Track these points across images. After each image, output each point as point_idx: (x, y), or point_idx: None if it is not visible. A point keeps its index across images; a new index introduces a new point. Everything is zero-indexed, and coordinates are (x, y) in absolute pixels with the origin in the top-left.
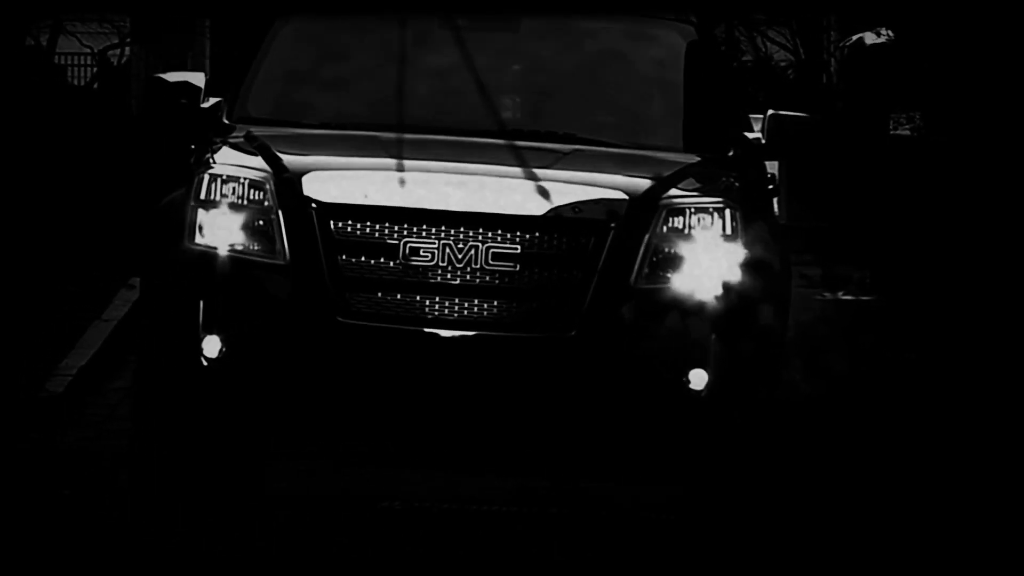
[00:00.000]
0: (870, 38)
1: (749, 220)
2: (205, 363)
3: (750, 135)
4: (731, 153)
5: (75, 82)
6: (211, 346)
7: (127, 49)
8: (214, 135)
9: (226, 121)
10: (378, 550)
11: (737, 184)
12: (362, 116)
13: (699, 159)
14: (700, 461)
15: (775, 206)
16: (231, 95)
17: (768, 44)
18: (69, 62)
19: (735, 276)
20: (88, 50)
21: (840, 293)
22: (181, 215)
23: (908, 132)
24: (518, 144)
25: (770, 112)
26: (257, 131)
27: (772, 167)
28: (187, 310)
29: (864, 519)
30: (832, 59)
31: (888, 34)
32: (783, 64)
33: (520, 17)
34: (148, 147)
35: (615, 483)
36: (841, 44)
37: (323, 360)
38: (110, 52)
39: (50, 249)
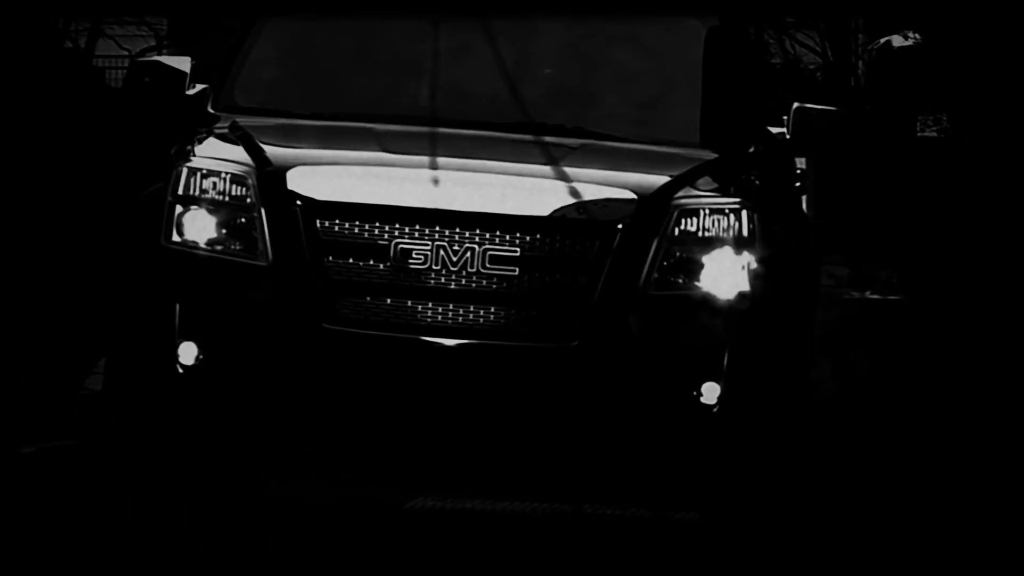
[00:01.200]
0: (897, 41)
1: (768, 222)
2: (181, 371)
3: (774, 130)
4: (752, 149)
5: (113, 84)
6: (187, 353)
7: (163, 51)
8: (197, 124)
9: (211, 110)
10: (377, 551)
11: (757, 182)
12: (355, 106)
13: (717, 155)
14: (712, 480)
15: (803, 203)
16: (218, 81)
17: (797, 47)
18: (107, 64)
19: (752, 282)
20: (126, 52)
21: (867, 292)
22: (159, 211)
23: (935, 134)
24: (522, 139)
25: (796, 105)
26: (243, 121)
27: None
28: (162, 314)
29: (882, 525)
30: (860, 62)
31: (915, 37)
32: (811, 67)
33: (530, 16)
34: (132, 136)
35: (620, 506)
36: (869, 47)
37: (308, 369)
38: (148, 54)
39: (84, 244)
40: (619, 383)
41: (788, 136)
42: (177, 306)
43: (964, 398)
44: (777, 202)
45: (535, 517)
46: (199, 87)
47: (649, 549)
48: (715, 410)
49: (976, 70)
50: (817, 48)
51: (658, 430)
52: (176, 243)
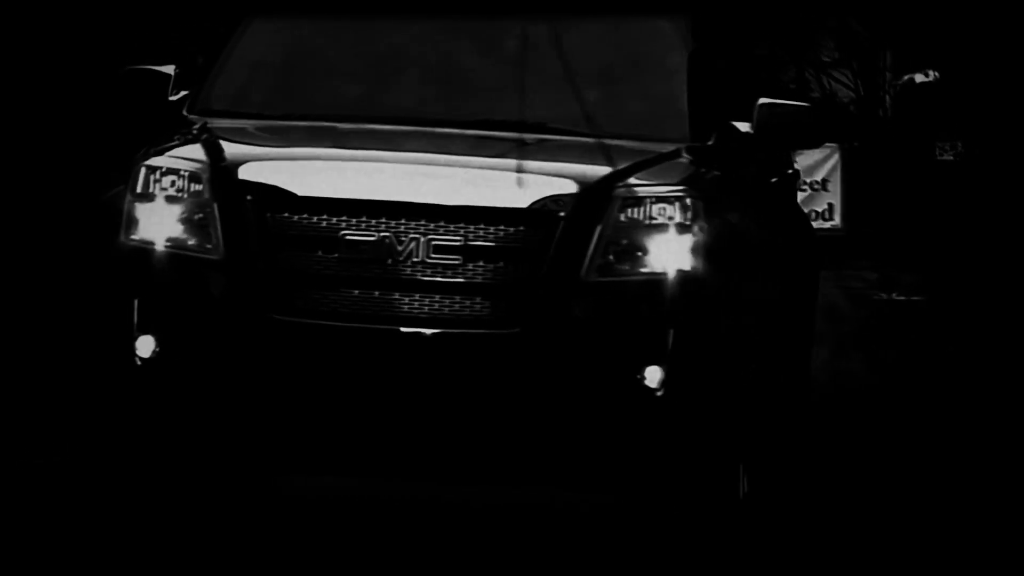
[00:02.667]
0: (919, 78)
1: (715, 211)
2: (139, 363)
3: (742, 126)
4: (711, 142)
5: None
6: (145, 346)
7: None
8: (168, 128)
9: (185, 113)
10: (360, 548)
11: (707, 173)
12: (324, 107)
13: (673, 148)
14: (653, 463)
15: (785, 199)
16: (195, 87)
17: (832, 83)
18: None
19: (696, 269)
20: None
21: (894, 294)
22: (120, 209)
23: (951, 157)
24: (477, 134)
25: (760, 100)
26: (215, 123)
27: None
28: (120, 308)
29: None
30: (887, 95)
31: (935, 75)
32: (845, 100)
33: (509, 15)
34: (109, 140)
35: (559, 489)
36: (895, 83)
37: (257, 360)
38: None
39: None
40: (561, 368)
41: (752, 131)
42: (136, 301)
43: (976, 389)
44: (732, 192)
45: (479, 505)
46: (183, 93)
47: (591, 533)
48: (659, 394)
49: (985, 104)
50: (850, 84)
51: (601, 414)
52: (134, 240)
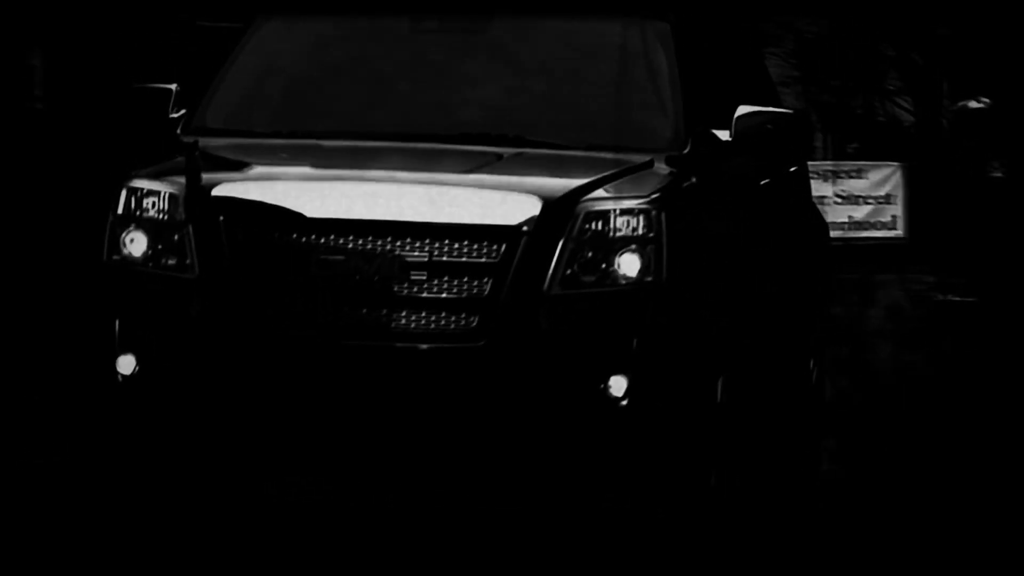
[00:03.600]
0: (973, 104)
1: (681, 221)
2: (120, 380)
3: (721, 133)
4: (686, 150)
5: None
6: (126, 364)
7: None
8: (159, 147)
9: (179, 132)
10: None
11: (677, 183)
12: (312, 124)
13: (647, 158)
14: (618, 472)
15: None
16: (191, 106)
17: (896, 108)
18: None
19: (660, 279)
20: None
21: (949, 295)
22: (103, 229)
23: (1000, 174)
24: (452, 149)
25: (740, 107)
26: (205, 142)
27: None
28: (102, 327)
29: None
30: (944, 120)
31: (987, 102)
32: (907, 123)
33: (497, 15)
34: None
35: (526, 502)
36: (951, 108)
37: (229, 376)
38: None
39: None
40: (526, 380)
41: (730, 138)
42: (116, 320)
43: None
44: (703, 201)
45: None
46: (183, 112)
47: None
48: (623, 403)
49: None
50: (911, 109)
51: (566, 424)
52: (116, 260)
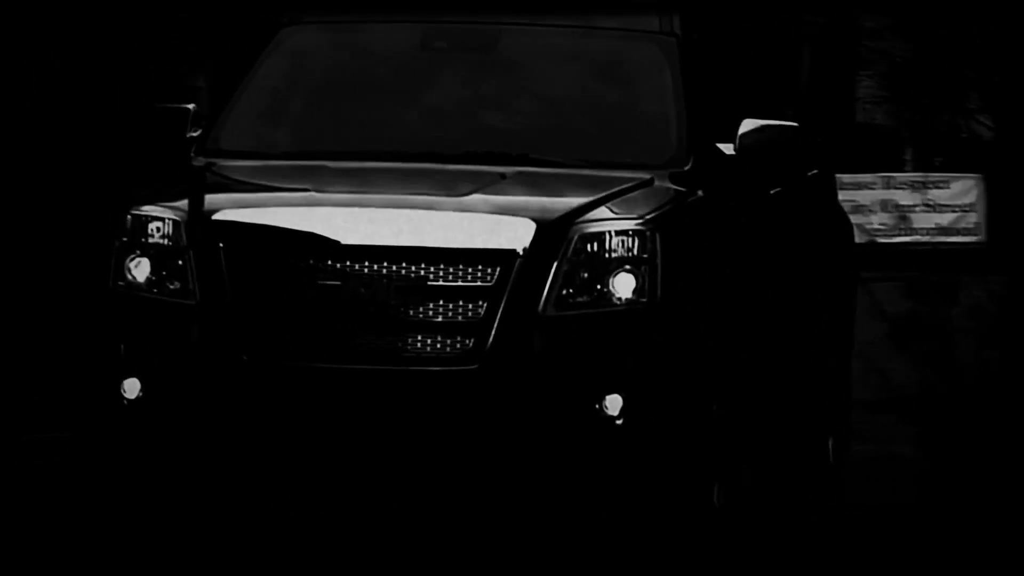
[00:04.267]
0: None
1: (679, 240)
2: (126, 404)
3: (726, 148)
4: (688, 167)
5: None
6: (131, 388)
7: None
8: (170, 171)
9: (192, 154)
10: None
11: (676, 202)
12: (321, 144)
13: (647, 176)
14: (615, 491)
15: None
16: (205, 129)
17: (978, 126)
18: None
19: (655, 299)
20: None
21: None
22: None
23: None
24: (453, 169)
25: (745, 121)
26: (214, 165)
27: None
28: (108, 352)
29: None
30: (1021, 135)
31: None
32: (986, 139)
33: (504, 35)
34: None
35: (524, 521)
36: None
37: (228, 400)
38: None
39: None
40: (521, 402)
41: (735, 152)
42: (121, 346)
43: None
44: (704, 218)
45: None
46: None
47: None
48: (619, 422)
49: None
50: (991, 126)
51: (562, 444)
52: (121, 285)
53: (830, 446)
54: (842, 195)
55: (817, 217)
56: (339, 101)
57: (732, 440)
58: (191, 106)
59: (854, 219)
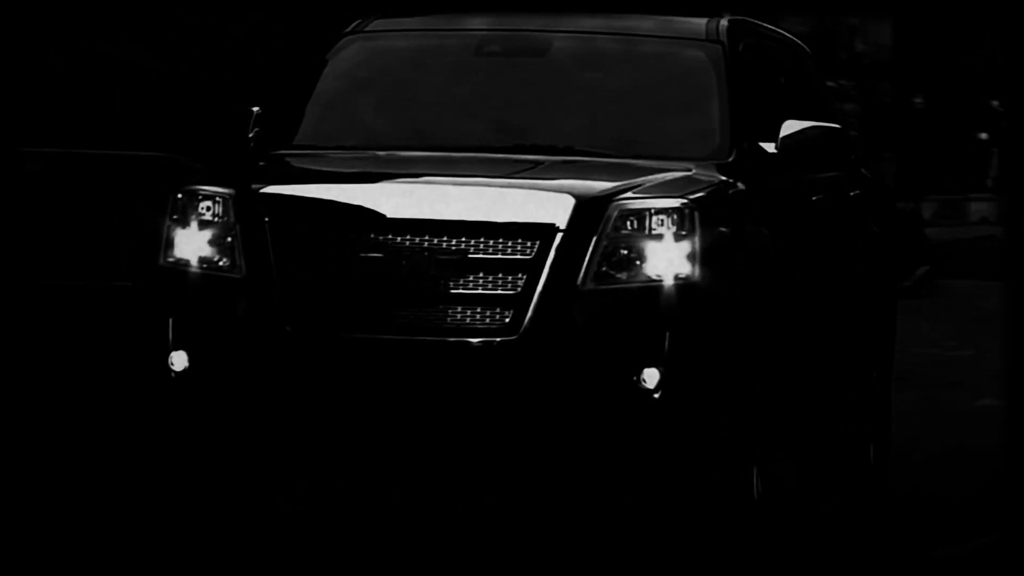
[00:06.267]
0: None
1: (716, 221)
2: (173, 376)
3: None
4: (730, 159)
5: None
6: (179, 360)
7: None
8: (224, 160)
9: (252, 147)
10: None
11: (714, 187)
12: (376, 138)
13: (688, 166)
14: (653, 465)
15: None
16: (263, 125)
17: None
18: None
19: (693, 275)
20: None
21: None
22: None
23: None
24: (497, 157)
25: (787, 122)
26: (269, 153)
27: None
28: (157, 325)
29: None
30: None
31: None
32: None
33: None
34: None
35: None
36: None
37: (272, 372)
38: None
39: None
40: (559, 374)
41: (777, 151)
42: (170, 319)
43: None
44: (741, 205)
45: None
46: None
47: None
48: (656, 395)
49: None
50: None
51: (599, 417)
52: (170, 261)
53: (871, 451)
54: None
55: (861, 226)
56: (395, 103)
57: (772, 427)
58: (255, 108)
59: None
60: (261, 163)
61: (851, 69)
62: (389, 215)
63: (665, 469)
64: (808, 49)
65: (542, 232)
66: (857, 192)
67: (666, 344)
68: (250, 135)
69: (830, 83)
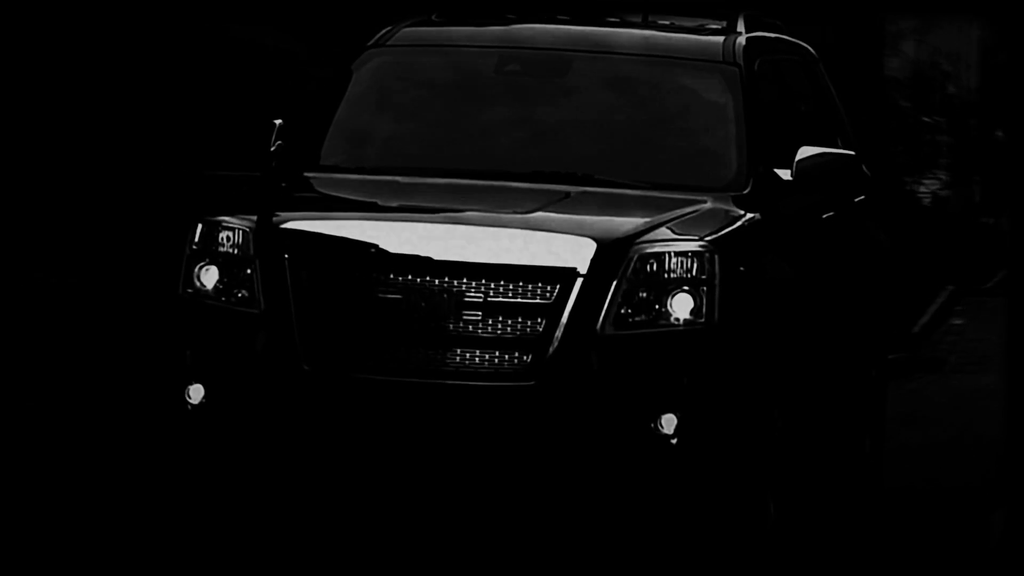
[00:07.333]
0: None
1: (736, 262)
2: (189, 409)
3: (783, 173)
4: (747, 191)
5: None
6: (195, 393)
7: None
8: (247, 183)
9: (273, 165)
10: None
11: (734, 225)
12: (400, 162)
13: (707, 198)
14: (670, 508)
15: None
16: (284, 142)
17: None
18: None
19: (712, 320)
20: None
21: None
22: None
23: None
24: (519, 187)
25: (801, 149)
26: (291, 178)
27: None
28: (174, 357)
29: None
30: None
31: None
32: None
33: (575, 62)
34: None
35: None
36: None
37: (288, 410)
38: None
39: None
40: (577, 418)
41: (792, 177)
42: (188, 351)
43: None
44: (761, 242)
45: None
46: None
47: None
48: (674, 441)
49: None
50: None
51: (617, 462)
52: (189, 292)
53: (867, 443)
54: None
55: (862, 240)
56: (415, 120)
57: (786, 457)
58: (278, 121)
59: None
60: (283, 187)
61: (944, 108)
62: (408, 255)
63: (681, 513)
64: (815, 54)
65: (562, 276)
66: (864, 204)
67: (684, 390)
68: (272, 148)
69: (925, 119)
